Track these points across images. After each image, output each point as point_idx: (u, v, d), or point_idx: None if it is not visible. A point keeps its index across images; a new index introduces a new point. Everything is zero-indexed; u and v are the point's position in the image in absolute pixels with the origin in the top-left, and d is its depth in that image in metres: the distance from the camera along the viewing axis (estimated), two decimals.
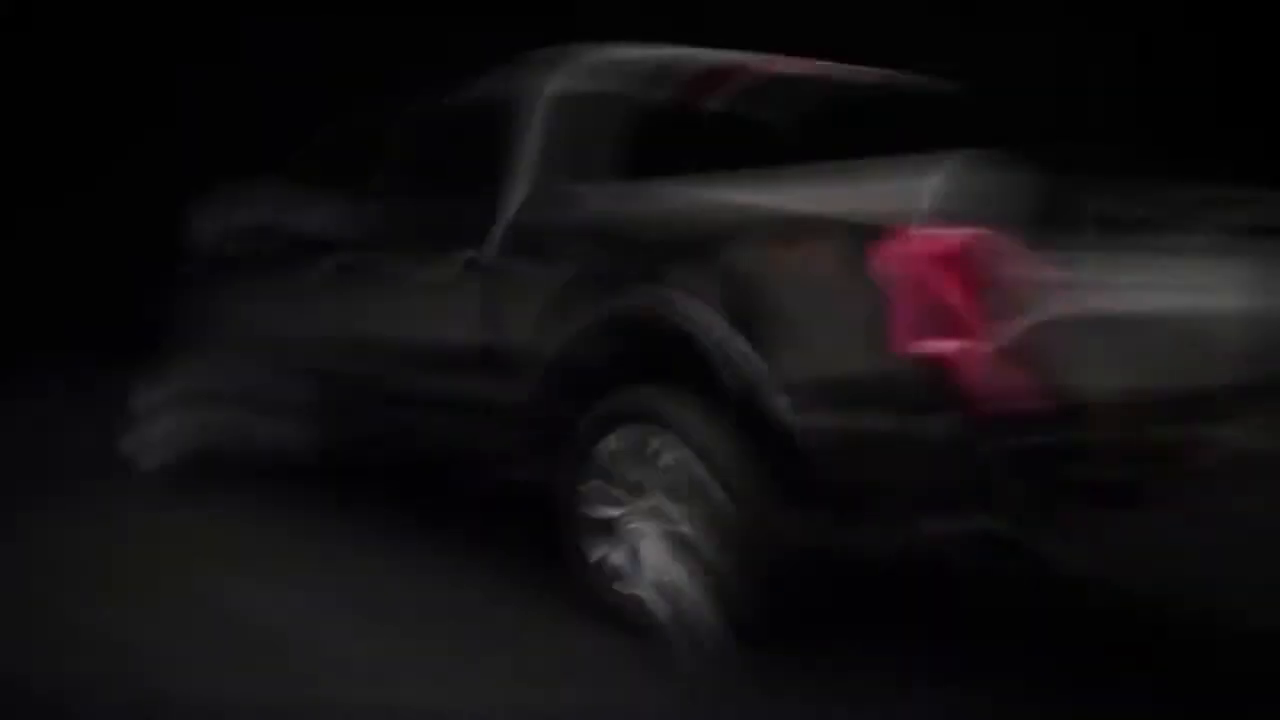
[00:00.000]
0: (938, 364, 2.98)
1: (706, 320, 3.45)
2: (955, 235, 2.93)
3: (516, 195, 4.13)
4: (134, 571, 4.58)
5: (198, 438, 5.87)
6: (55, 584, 4.38)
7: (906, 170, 3.08)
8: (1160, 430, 3.35)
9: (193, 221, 5.56)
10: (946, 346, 2.96)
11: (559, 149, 4.12)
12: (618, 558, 3.79)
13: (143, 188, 11.84)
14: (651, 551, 3.70)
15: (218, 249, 5.69)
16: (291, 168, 5.57)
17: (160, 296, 6.25)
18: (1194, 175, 3.36)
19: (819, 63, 4.52)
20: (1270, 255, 3.50)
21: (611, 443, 3.77)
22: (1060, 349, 3.10)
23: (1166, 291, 3.32)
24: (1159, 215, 3.26)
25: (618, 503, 3.81)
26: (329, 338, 4.98)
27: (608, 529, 3.82)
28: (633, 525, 3.77)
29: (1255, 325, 3.51)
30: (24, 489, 5.94)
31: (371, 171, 4.95)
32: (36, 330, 10.56)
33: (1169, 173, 3.35)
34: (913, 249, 2.95)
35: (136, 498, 5.81)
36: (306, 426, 5.36)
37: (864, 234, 3.04)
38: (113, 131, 12.36)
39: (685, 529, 3.61)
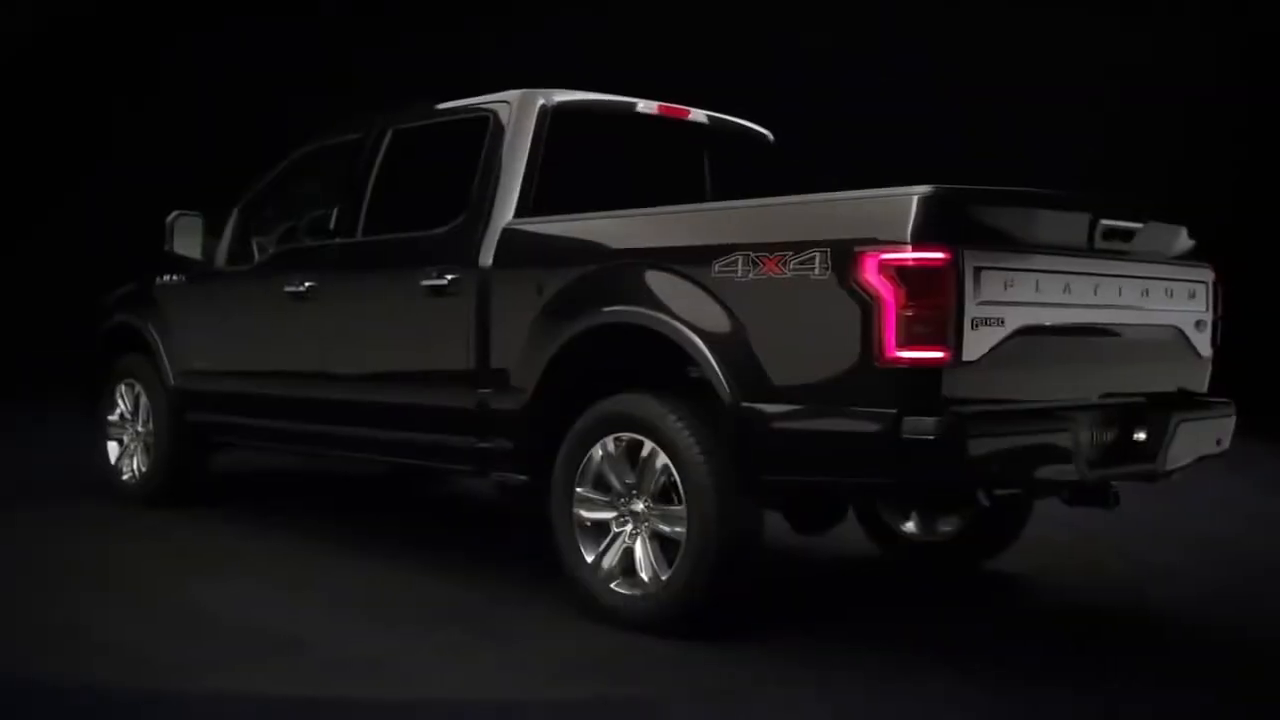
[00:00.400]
0: (916, 370, 3.16)
1: (692, 334, 3.56)
2: (930, 254, 3.15)
3: (504, 216, 4.23)
4: (131, 575, 4.60)
5: (170, 453, 5.81)
6: (55, 586, 4.40)
7: (883, 198, 3.29)
8: (1113, 433, 3.61)
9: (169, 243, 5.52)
10: (923, 354, 3.16)
11: (542, 176, 4.27)
12: (612, 558, 3.84)
13: (87, 223, 11.87)
14: (643, 551, 3.77)
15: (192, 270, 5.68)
16: (253, 198, 5.55)
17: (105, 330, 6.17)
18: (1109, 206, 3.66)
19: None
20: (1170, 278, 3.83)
21: (603, 448, 3.84)
22: (1026, 357, 3.32)
23: (1104, 309, 3.61)
24: (1090, 241, 3.56)
25: (610, 505, 3.86)
26: (315, 358, 4.97)
27: (602, 530, 3.88)
28: (626, 527, 3.83)
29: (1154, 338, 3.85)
30: (20, 503, 5.97)
31: (343, 196, 4.95)
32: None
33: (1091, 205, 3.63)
34: (892, 266, 3.16)
35: (123, 510, 5.80)
36: (293, 440, 5.34)
37: (847, 254, 3.24)
38: (51, 171, 12.35)
39: (674, 529, 3.67)
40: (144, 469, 5.94)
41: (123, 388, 6.07)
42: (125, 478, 6.02)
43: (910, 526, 4.80)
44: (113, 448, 6.12)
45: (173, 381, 5.73)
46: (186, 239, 5.45)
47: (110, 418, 6.12)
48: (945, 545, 4.71)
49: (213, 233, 5.55)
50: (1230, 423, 4.05)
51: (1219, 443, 4.01)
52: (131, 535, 5.35)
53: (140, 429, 5.98)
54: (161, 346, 5.80)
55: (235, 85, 12.10)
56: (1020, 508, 4.52)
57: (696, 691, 3.34)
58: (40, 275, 11.77)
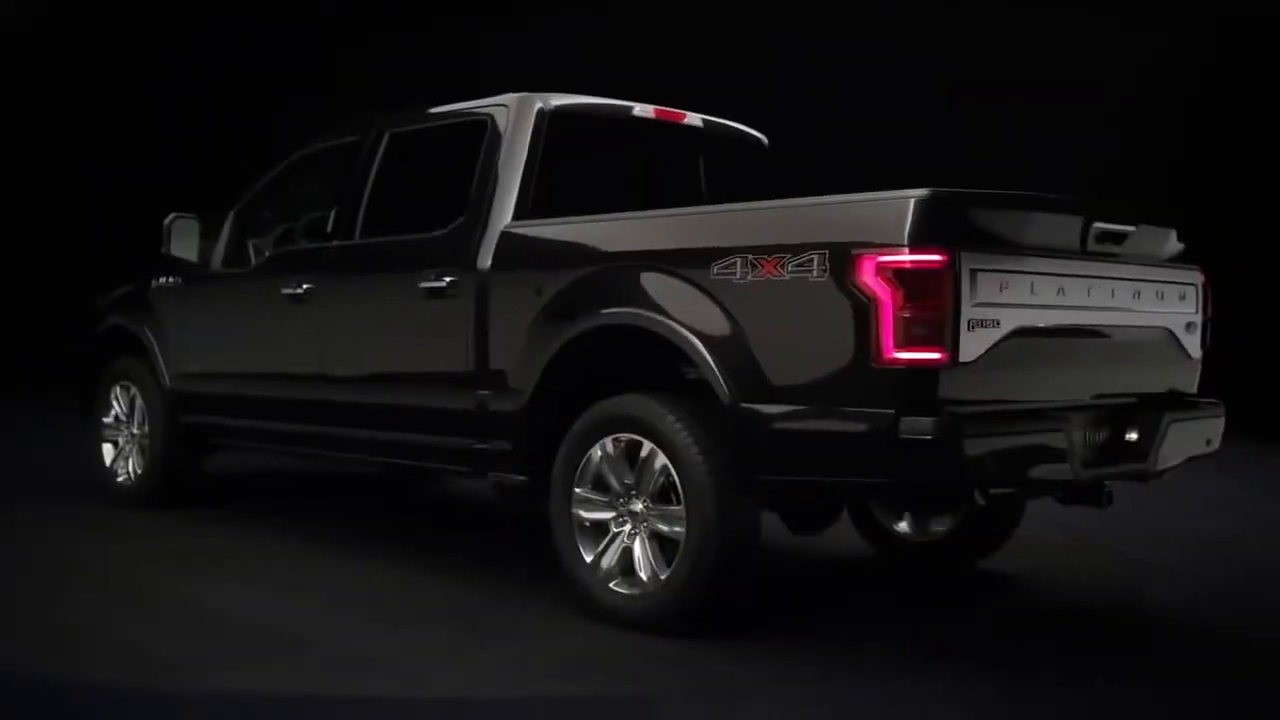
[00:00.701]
0: (913, 371, 3.20)
1: (690, 335, 3.59)
2: (927, 257, 3.19)
3: (502, 218, 4.25)
4: (131, 576, 4.60)
5: (165, 454, 5.79)
6: (55, 586, 4.41)
7: (880, 201, 3.32)
8: (1105, 433, 3.65)
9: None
10: (921, 355, 3.19)
11: (540, 179, 4.29)
12: (611, 558, 3.86)
13: (87, 223, 11.86)
14: (642, 551, 3.79)
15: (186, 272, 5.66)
16: (249, 201, 5.55)
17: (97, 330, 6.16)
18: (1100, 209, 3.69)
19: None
20: (1160, 279, 3.88)
21: (601, 449, 3.86)
22: (1021, 358, 3.36)
23: (1096, 311, 3.65)
24: (1083, 244, 3.60)
25: (609, 505, 3.88)
26: (313, 360, 4.96)
27: (601, 530, 3.90)
28: (624, 527, 3.85)
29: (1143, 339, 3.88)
30: (20, 504, 5.98)
31: (341, 199, 4.94)
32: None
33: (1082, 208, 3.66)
34: (889, 268, 3.20)
35: (122, 511, 5.80)
36: (290, 442, 5.31)
37: (845, 256, 3.28)
38: (51, 171, 12.33)
39: (672, 528, 3.70)
40: (139, 471, 5.93)
41: (118, 390, 6.06)
42: (120, 480, 6.01)
43: (904, 526, 4.82)
44: (107, 450, 6.10)
45: (168, 383, 5.73)
46: (183, 241, 5.45)
47: (105, 420, 6.10)
48: (938, 545, 4.74)
49: (208, 235, 5.54)
50: (1220, 423, 4.10)
51: (1209, 443, 4.06)
52: (130, 536, 5.36)
53: (135, 431, 5.97)
54: (157, 348, 5.79)
55: (235, 85, 12.10)
56: (1013, 508, 4.55)
57: (696, 690, 3.36)
58: (40, 275, 11.78)
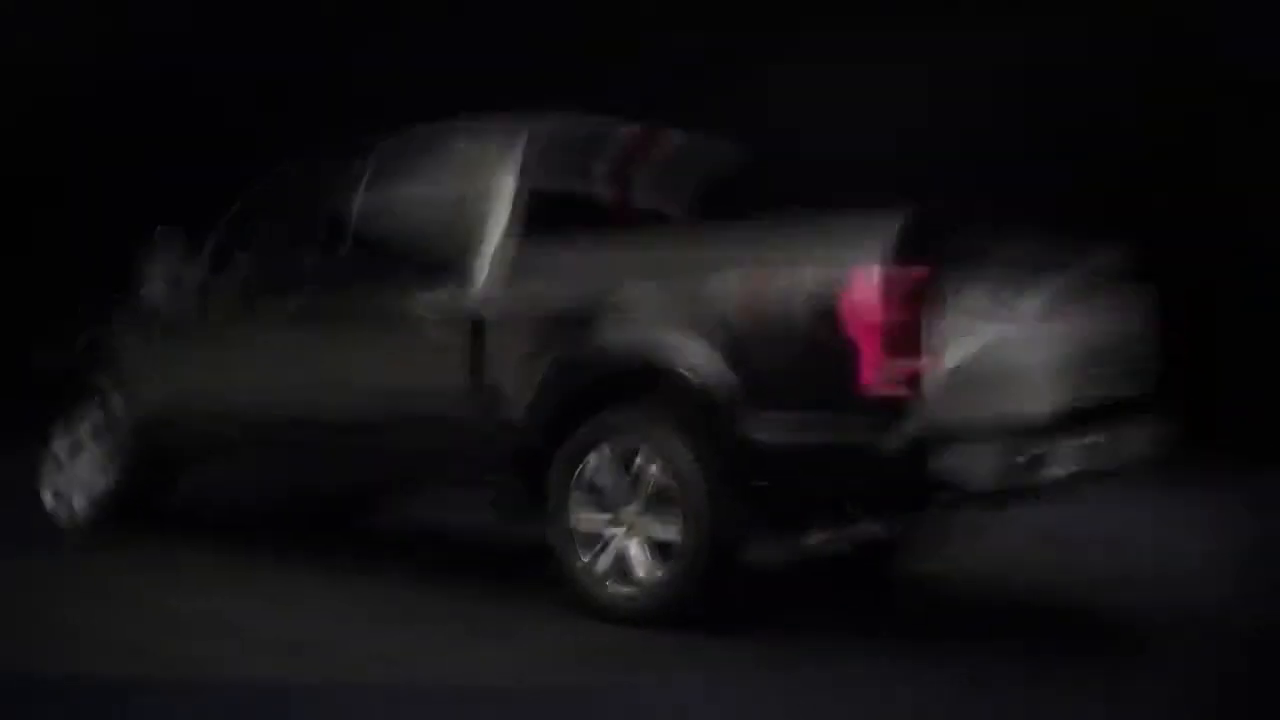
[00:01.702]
0: (897, 383, 3.34)
1: (683, 350, 3.71)
2: (906, 273, 3.34)
3: (498, 240, 4.31)
4: (129, 581, 4.61)
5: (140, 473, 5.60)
6: (54, 587, 4.46)
7: (859, 221, 3.48)
8: (1070, 439, 3.78)
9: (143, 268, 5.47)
10: (904, 367, 3.33)
11: (538, 199, 4.36)
12: (607, 561, 3.95)
13: (86, 225, 11.80)
14: (637, 553, 3.89)
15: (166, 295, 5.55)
16: (234, 217, 5.48)
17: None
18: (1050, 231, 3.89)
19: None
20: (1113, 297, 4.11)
21: (598, 456, 3.96)
22: (994, 369, 3.55)
23: (1061, 323, 3.84)
24: (1039, 262, 3.80)
25: (605, 511, 3.97)
26: (304, 377, 4.88)
27: (595, 536, 3.98)
28: (620, 530, 3.94)
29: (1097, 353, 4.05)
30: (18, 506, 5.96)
31: (331, 217, 4.95)
32: None
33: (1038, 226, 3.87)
34: (874, 284, 3.34)
35: (108, 525, 5.68)
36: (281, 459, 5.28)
37: (831, 272, 3.43)
38: (50, 171, 12.27)
39: (664, 534, 3.81)
40: (111, 489, 5.67)
41: (89, 408, 5.82)
42: (82, 503, 5.76)
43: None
44: (82, 465, 5.84)
45: (145, 403, 5.53)
46: (167, 257, 5.43)
47: (77, 437, 5.88)
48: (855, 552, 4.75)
49: (194, 250, 5.47)
50: (1165, 431, 4.25)
51: (1158, 449, 4.21)
52: (128, 543, 5.37)
53: (109, 449, 5.71)
54: (132, 368, 5.62)
55: (235, 85, 12.08)
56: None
57: (693, 685, 3.45)
58: (39, 276, 11.75)
